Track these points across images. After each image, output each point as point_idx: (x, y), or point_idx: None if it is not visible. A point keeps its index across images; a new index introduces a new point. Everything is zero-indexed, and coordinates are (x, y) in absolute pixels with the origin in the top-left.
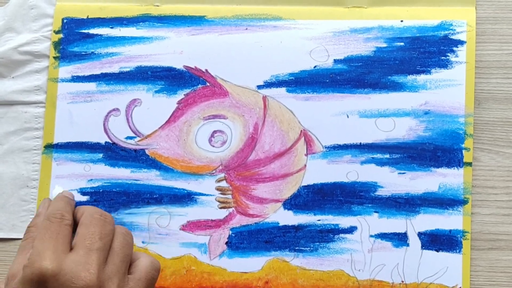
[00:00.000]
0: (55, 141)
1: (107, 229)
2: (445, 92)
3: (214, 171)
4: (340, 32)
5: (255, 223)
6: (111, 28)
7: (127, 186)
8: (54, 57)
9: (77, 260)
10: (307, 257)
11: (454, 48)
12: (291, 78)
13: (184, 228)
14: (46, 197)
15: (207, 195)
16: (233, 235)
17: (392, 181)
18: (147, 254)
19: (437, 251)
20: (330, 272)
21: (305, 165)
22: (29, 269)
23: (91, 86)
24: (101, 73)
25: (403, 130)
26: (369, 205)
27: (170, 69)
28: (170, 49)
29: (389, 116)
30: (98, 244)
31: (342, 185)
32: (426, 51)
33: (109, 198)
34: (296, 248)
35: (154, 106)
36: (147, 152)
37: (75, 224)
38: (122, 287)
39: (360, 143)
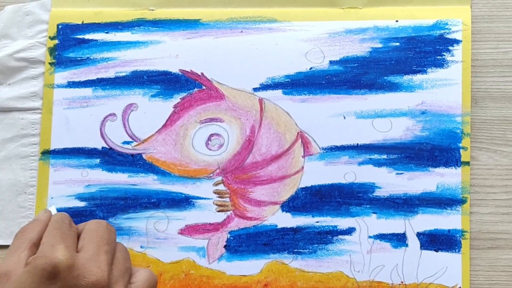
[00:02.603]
0: (52, 147)
1: (112, 237)
2: (441, 91)
3: (211, 175)
4: (335, 33)
5: (254, 226)
6: (106, 33)
7: (125, 191)
8: (49, 63)
9: (88, 258)
10: (306, 259)
11: (450, 47)
12: (287, 80)
13: (182, 232)
14: (44, 203)
15: (205, 198)
16: (232, 238)
17: (390, 181)
18: (146, 269)
19: (436, 251)
20: (329, 273)
21: (303, 167)
22: (42, 259)
23: (87, 91)
24: (97, 78)
25: (400, 130)
26: (367, 206)
27: (166, 73)
28: (166, 53)
29: (385, 116)
30: (106, 248)
31: (340, 187)
32: (422, 50)
33: (107, 203)
34: (295, 250)
35: (150, 110)
36: (144, 156)
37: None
38: None
39: (357, 144)
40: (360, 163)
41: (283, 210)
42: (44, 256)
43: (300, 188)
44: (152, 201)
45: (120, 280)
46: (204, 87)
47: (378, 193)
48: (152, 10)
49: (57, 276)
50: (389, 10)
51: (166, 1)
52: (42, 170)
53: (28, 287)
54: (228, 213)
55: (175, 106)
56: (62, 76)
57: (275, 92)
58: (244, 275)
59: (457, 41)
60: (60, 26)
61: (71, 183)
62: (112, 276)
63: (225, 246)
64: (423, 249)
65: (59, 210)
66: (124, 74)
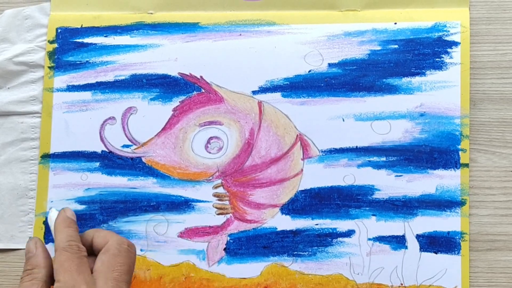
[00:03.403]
0: (52, 150)
1: (132, 261)
2: (440, 93)
3: (211, 178)
4: (334, 36)
5: (253, 228)
6: (105, 36)
7: (124, 194)
8: (49, 67)
9: None
10: (306, 261)
11: (449, 50)
12: (286, 83)
13: (182, 235)
14: (44, 207)
15: (205, 201)
16: (231, 241)
17: (389, 184)
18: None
19: (436, 253)
20: (329, 276)
21: (302, 170)
22: None
23: (87, 95)
24: (96, 82)
25: (399, 132)
26: (367, 208)
27: (165, 77)
28: (165, 56)
29: (384, 119)
30: (126, 277)
31: (339, 189)
32: (421, 53)
33: (107, 206)
34: (295, 252)
35: (149, 113)
36: (143, 160)
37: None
38: None
39: (356, 146)
40: (359, 166)
41: (282, 213)
42: None
43: (300, 190)
44: (151, 204)
45: None
46: (203, 90)
47: (377, 195)
48: (151, 13)
49: None
50: (387, 13)
51: (165, 4)
52: (42, 173)
53: None
54: (228, 216)
55: (174, 110)
56: (62, 80)
57: (274, 95)
58: (244, 278)
59: (455, 43)
60: (59, 30)
61: (71, 187)
62: None
63: (224, 249)
64: (423, 251)
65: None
66: (123, 77)
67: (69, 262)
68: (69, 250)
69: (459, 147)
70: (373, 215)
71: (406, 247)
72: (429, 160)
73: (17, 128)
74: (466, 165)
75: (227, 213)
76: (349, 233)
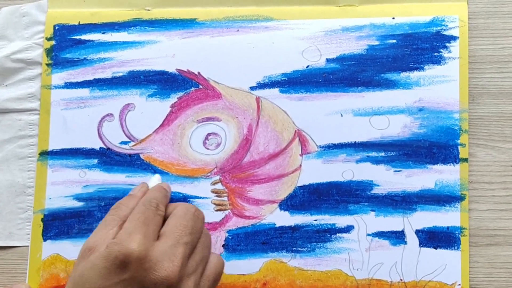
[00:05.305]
0: (50, 148)
1: (198, 226)
2: (439, 88)
3: (209, 174)
4: (332, 31)
5: (252, 224)
6: (103, 33)
7: (123, 191)
8: (46, 64)
9: (164, 250)
10: (305, 257)
11: (447, 44)
12: (284, 78)
13: None
14: (42, 204)
15: (203, 198)
16: (230, 237)
17: (388, 179)
18: (215, 253)
19: (435, 248)
20: (328, 272)
21: (300, 165)
22: (117, 246)
23: (84, 92)
24: (94, 79)
25: (397, 127)
26: (366, 203)
27: (162, 73)
28: (162, 52)
29: (383, 114)
30: (187, 239)
31: (338, 185)
32: (419, 47)
33: (105, 203)
34: (294, 248)
35: (147, 110)
36: (141, 156)
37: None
38: (198, 285)
39: (355, 141)
40: (358, 161)
41: (281, 209)
42: (119, 244)
43: (298, 186)
44: None
45: (192, 274)
46: (201, 87)
47: (376, 190)
48: (148, 10)
49: (128, 266)
50: (385, 7)
51: (162, 0)
52: (40, 171)
53: (99, 272)
54: (226, 212)
55: (172, 106)
56: (59, 77)
57: (272, 90)
58: (243, 274)
59: (454, 38)
60: (56, 27)
61: (69, 184)
62: (185, 271)
63: (223, 246)
64: (422, 246)
65: (55, 210)
66: (121, 74)
67: (140, 213)
68: (146, 205)
69: (458, 141)
70: (372, 210)
71: (406, 243)
72: (428, 155)
73: (15, 125)
74: (466, 159)
75: (225, 209)
76: (348, 229)
